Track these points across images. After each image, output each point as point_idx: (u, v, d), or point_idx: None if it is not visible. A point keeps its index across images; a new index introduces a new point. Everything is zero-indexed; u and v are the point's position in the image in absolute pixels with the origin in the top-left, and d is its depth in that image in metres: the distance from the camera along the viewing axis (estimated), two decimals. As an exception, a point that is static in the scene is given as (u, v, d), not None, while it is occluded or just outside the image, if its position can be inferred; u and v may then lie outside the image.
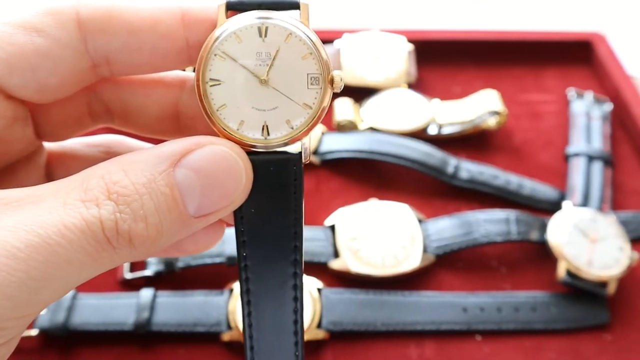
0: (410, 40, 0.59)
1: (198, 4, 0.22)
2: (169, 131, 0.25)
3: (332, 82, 0.22)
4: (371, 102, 0.55)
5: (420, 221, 0.46)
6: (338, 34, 0.58)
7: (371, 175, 0.52)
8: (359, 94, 0.56)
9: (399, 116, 0.54)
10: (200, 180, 0.20)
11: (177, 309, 0.39)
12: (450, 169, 0.50)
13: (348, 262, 0.43)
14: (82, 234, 0.18)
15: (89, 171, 0.19)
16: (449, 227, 0.46)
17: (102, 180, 0.19)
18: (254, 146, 0.22)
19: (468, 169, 0.51)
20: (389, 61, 0.56)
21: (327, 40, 0.56)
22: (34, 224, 0.17)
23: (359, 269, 0.43)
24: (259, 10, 0.22)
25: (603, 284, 0.42)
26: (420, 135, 0.53)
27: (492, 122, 0.54)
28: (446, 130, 0.54)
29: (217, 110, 0.21)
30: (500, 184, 0.50)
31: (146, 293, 0.40)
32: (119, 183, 0.19)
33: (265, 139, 0.22)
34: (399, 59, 0.56)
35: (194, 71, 0.22)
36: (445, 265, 0.45)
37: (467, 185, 0.50)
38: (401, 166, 0.50)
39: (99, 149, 0.26)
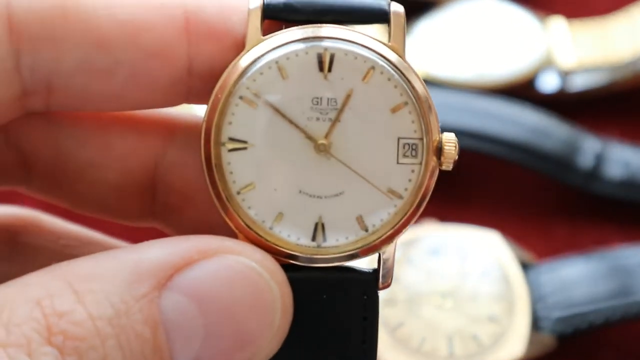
0: None
1: (213, 3, 0.22)
2: (132, 213, 0.26)
3: (439, 152, 0.22)
4: (425, 27, 0.53)
5: (525, 266, 0.42)
6: None
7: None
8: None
9: (481, 55, 0.52)
10: (203, 316, 0.20)
11: None
12: (585, 161, 0.47)
13: (381, 348, 0.38)
14: None
15: (12, 289, 0.20)
16: (585, 279, 0.42)
17: (38, 310, 0.19)
18: (295, 257, 0.23)
19: (624, 160, 0.48)
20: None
21: None
22: None
23: (402, 364, 0.39)
24: (319, 25, 0.22)
25: None
26: (524, 93, 0.51)
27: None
28: (579, 83, 0.51)
29: (239, 192, 0.22)
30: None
31: None
32: (67, 316, 0.19)
33: (319, 246, 0.22)
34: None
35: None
36: (579, 356, 0.42)
37: (620, 192, 0.47)
38: (486, 156, 0.48)
39: None
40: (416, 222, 0.44)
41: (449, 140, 0.22)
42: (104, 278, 0.20)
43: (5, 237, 0.27)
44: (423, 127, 0.22)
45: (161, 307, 0.20)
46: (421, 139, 0.22)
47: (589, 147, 0.48)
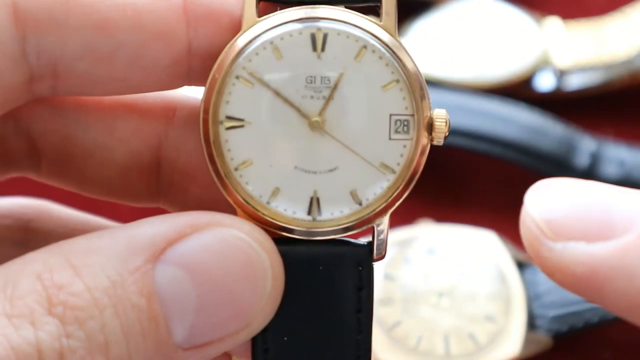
0: None
1: None
2: (138, 193, 0.26)
3: (430, 128, 0.23)
4: (421, 26, 0.53)
5: (521, 265, 0.43)
6: None
7: (422, 172, 0.50)
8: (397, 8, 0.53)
9: (477, 55, 0.52)
10: (196, 287, 0.21)
11: None
12: (581, 161, 0.48)
13: (377, 348, 0.40)
14: None
15: (15, 266, 0.20)
16: (580, 278, 0.41)
17: (39, 283, 0.20)
18: (291, 230, 0.23)
19: (619, 159, 0.48)
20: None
21: None
22: None
23: (398, 363, 0.39)
24: (312, 7, 0.23)
25: None
26: (520, 92, 0.51)
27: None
28: (575, 82, 0.52)
29: (236, 169, 0.23)
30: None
31: None
32: (66, 288, 0.20)
33: (314, 219, 0.23)
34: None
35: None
36: (575, 355, 0.42)
37: (616, 191, 0.46)
38: (482, 155, 0.48)
39: (8, 222, 0.27)
40: (412, 222, 0.44)
41: (440, 116, 0.23)
42: (100, 253, 0.20)
43: (19, 224, 0.27)
44: (414, 103, 0.23)
45: (155, 279, 0.20)
46: (412, 115, 0.23)
47: (585, 146, 0.48)
